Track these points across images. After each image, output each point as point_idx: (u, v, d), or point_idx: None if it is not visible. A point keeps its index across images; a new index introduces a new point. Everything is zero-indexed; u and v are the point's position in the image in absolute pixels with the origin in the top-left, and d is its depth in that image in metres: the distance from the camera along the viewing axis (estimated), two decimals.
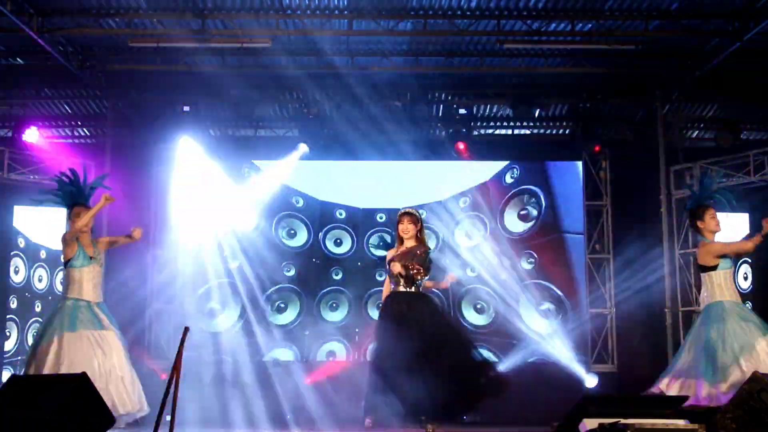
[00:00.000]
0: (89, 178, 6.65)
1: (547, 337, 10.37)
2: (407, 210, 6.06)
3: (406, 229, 5.94)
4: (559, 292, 10.49)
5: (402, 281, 5.86)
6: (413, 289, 5.86)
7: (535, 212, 10.72)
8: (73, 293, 6.10)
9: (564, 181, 10.72)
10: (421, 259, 5.87)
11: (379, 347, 5.76)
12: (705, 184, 6.33)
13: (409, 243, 5.92)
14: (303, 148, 10.48)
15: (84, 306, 6.05)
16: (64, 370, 5.74)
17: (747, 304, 6.56)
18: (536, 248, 10.60)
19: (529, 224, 10.71)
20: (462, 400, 5.56)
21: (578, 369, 10.15)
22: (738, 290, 6.10)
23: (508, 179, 10.84)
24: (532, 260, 10.61)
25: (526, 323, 10.43)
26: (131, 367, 6.14)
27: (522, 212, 10.75)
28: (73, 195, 6.25)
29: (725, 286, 5.99)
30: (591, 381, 10.10)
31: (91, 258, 6.14)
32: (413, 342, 5.53)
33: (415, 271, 5.82)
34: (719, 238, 6.27)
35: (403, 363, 5.46)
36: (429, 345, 5.55)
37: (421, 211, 6.51)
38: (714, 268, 6.03)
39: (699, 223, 6.15)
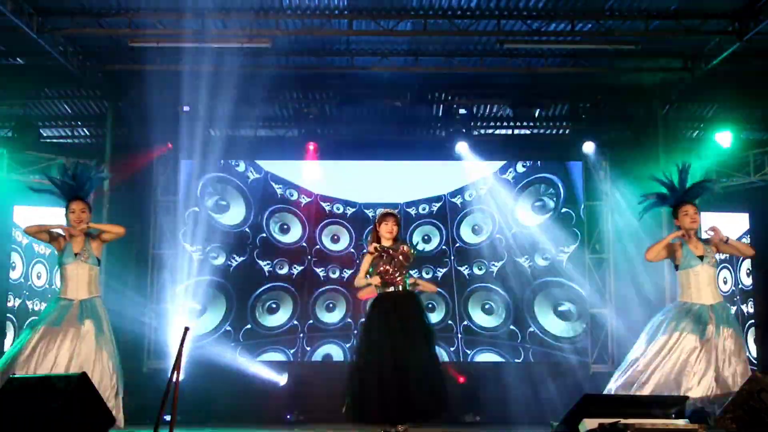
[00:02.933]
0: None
1: (567, 341, 10.16)
2: (390, 211, 6.00)
3: (391, 229, 5.88)
4: (582, 292, 10.20)
5: (393, 279, 5.81)
6: (401, 288, 5.82)
7: (552, 203, 10.43)
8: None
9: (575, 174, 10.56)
10: (406, 255, 5.78)
11: (361, 348, 5.76)
12: (682, 179, 6.24)
13: (387, 243, 5.88)
14: (310, 149, 10.33)
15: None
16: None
17: (749, 302, 6.52)
18: (553, 243, 10.34)
19: (546, 216, 10.44)
20: (430, 406, 5.57)
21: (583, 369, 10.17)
22: (717, 290, 6.02)
23: (520, 168, 10.56)
24: (548, 257, 10.39)
25: (542, 325, 10.20)
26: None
27: (537, 203, 10.47)
28: (72, 189, 6.16)
29: (686, 285, 5.96)
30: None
31: (76, 254, 6.03)
32: (394, 345, 5.54)
33: (400, 262, 5.73)
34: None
35: (382, 365, 5.48)
36: (408, 348, 5.55)
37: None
38: (676, 267, 6.03)
39: (676, 222, 6.10)
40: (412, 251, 5.81)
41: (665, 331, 5.79)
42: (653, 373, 5.69)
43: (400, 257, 5.73)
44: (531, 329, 10.25)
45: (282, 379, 9.93)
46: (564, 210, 10.46)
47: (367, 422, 5.58)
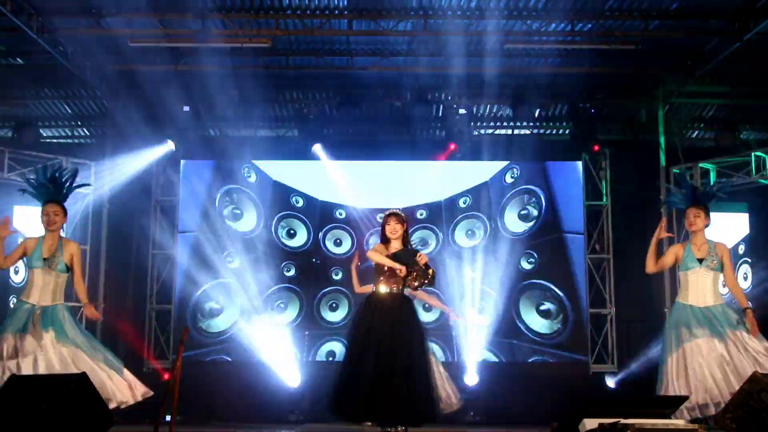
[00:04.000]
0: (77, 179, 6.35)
1: (548, 337, 10.37)
2: (393, 211, 6.01)
3: (394, 229, 5.86)
4: (560, 293, 10.47)
5: (391, 281, 5.79)
6: (396, 290, 5.81)
7: (535, 212, 10.71)
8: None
9: (564, 181, 10.72)
10: (423, 271, 5.76)
11: (351, 347, 5.75)
12: (685, 186, 6.33)
13: (396, 244, 5.87)
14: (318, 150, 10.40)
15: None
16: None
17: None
18: (536, 248, 10.59)
19: (530, 224, 10.70)
20: (420, 409, 5.55)
21: (581, 369, 10.17)
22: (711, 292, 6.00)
23: (508, 179, 10.82)
24: (533, 260, 10.60)
25: (526, 323, 10.43)
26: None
27: (522, 212, 10.75)
28: (48, 192, 6.06)
29: (684, 286, 6.00)
30: (610, 382, 10.18)
31: (45, 259, 5.96)
32: (386, 346, 5.54)
33: (424, 280, 5.74)
34: (712, 235, 6.24)
35: (372, 365, 5.46)
36: (399, 350, 5.55)
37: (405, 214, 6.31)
38: (678, 268, 6.10)
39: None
40: (423, 266, 5.76)
41: (676, 346, 5.78)
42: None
43: (419, 274, 5.73)
44: (525, 329, 10.43)
45: (295, 380, 9.97)
46: (547, 217, 10.64)
47: (346, 417, 5.60)
